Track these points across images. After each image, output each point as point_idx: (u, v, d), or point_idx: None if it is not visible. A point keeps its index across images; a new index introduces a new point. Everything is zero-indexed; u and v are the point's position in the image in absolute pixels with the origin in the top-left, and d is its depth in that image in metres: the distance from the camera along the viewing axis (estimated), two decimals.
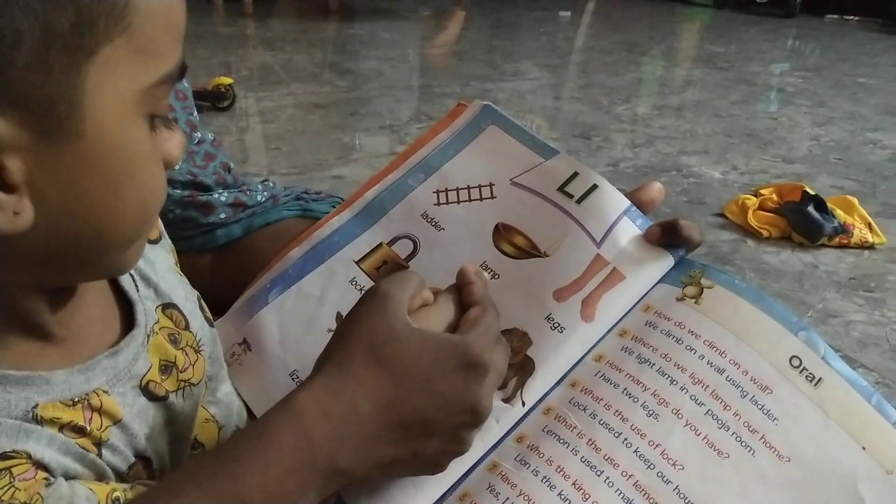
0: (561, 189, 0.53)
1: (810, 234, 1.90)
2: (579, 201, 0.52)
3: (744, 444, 0.43)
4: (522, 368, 0.47)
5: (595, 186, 0.52)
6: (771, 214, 1.98)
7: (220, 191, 0.65)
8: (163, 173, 0.38)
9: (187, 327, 0.49)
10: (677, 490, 0.41)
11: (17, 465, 0.34)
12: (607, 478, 0.41)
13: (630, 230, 0.51)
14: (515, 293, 0.50)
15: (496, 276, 0.52)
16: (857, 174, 2.42)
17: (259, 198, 0.66)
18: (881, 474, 0.42)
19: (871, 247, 1.92)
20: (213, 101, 2.61)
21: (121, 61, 0.33)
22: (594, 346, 0.48)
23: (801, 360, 0.45)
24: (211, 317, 0.53)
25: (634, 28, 4.91)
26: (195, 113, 0.67)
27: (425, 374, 0.38)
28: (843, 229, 1.91)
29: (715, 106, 3.19)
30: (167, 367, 0.45)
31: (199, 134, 0.66)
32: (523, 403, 0.46)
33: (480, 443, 0.44)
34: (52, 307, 0.39)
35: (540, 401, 0.46)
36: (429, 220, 0.56)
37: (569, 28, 5.21)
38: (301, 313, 0.54)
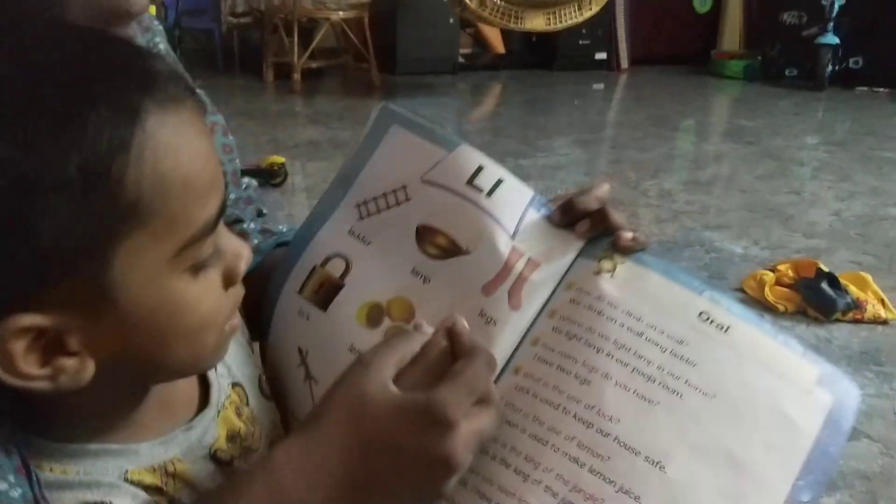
0: (469, 183, 0.54)
1: (824, 310, 1.99)
2: (489, 195, 0.54)
3: (670, 389, 0.47)
4: None
5: (501, 180, 0.54)
6: (787, 290, 2.09)
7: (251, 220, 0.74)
8: (216, 302, 0.43)
9: (248, 403, 0.56)
10: (617, 440, 0.46)
11: None
12: (553, 445, 0.46)
13: (537, 219, 0.54)
14: (447, 294, 0.53)
15: (427, 281, 0.54)
16: (875, 249, 2.51)
17: (282, 228, 0.75)
18: (799, 393, 0.47)
19: (884, 322, 2.00)
20: (267, 177, 2.83)
21: (143, 246, 0.37)
22: (529, 330, 0.51)
23: (708, 315, 0.50)
24: (269, 393, 0.60)
25: (665, 102, 5.06)
26: (237, 162, 0.76)
27: (390, 431, 0.41)
28: (857, 305, 2.00)
29: (740, 181, 3.31)
30: (233, 437, 0.52)
31: (245, 180, 0.77)
32: None
33: None
34: (142, 406, 0.47)
35: None
36: (355, 236, 0.57)
37: (601, 103, 5.40)
38: (276, 357, 0.59)
